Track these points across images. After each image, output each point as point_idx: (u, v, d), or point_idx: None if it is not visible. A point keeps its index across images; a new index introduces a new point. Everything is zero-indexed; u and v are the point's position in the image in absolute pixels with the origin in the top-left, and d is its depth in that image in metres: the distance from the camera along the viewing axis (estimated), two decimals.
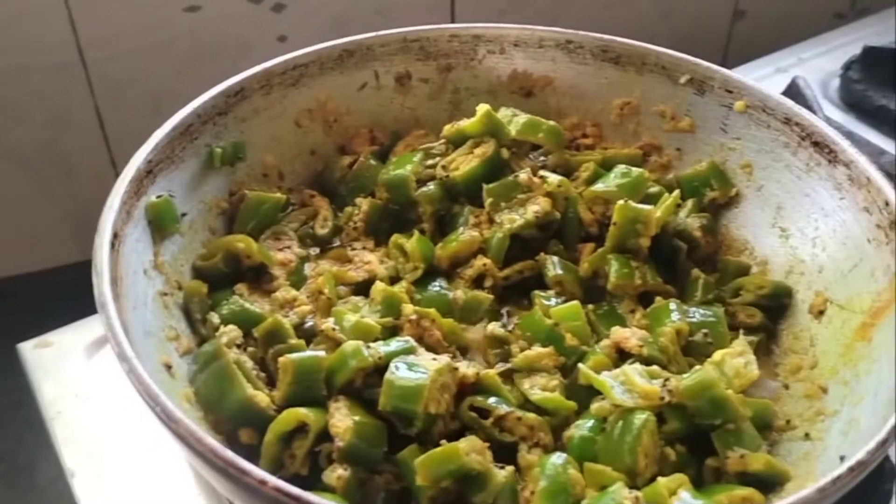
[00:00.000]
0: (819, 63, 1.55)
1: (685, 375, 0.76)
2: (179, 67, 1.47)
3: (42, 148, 1.47)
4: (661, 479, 0.70)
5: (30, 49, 1.37)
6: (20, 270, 1.54)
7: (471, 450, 0.69)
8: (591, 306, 0.87)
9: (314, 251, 0.93)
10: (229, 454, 0.57)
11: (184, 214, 0.86)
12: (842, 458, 0.69)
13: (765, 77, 1.51)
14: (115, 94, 1.48)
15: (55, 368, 1.00)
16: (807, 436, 0.77)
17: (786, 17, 1.82)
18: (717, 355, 0.78)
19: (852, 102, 1.44)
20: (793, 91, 1.35)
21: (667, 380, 0.76)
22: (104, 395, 0.97)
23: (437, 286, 0.88)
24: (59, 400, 0.97)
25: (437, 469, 0.68)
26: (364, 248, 0.93)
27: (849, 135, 1.35)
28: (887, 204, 0.81)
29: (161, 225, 0.82)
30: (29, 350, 1.02)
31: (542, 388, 0.79)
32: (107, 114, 1.50)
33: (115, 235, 0.74)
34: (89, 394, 0.97)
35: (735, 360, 0.77)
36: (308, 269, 0.90)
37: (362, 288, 0.88)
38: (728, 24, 1.81)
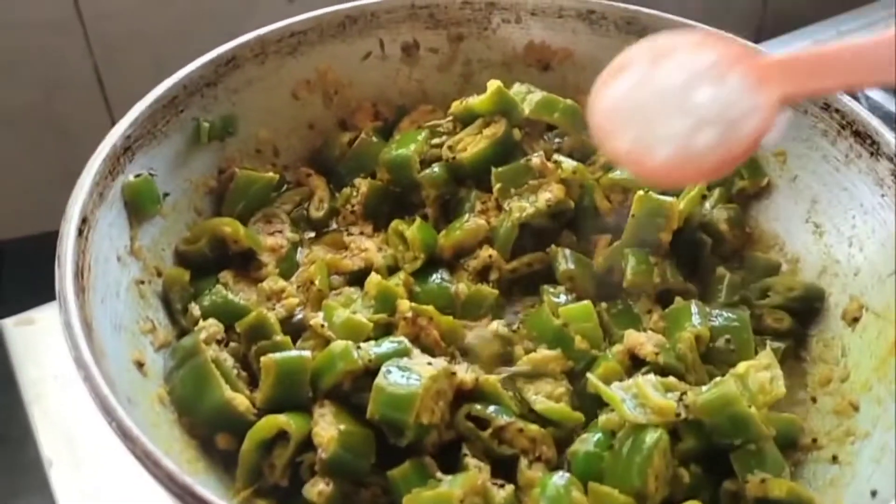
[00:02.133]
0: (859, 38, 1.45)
1: (704, 389, 0.69)
2: (181, 26, 1.40)
3: (36, 108, 1.41)
4: None
5: (23, 3, 1.30)
6: (11, 235, 1.49)
7: (468, 494, 0.63)
8: (604, 305, 0.81)
9: (308, 235, 0.86)
10: (187, 481, 0.51)
11: (166, 194, 0.79)
12: (873, 494, 0.62)
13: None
14: (115, 53, 1.42)
15: (37, 348, 0.96)
16: (834, 458, 0.71)
17: None
18: (741, 367, 0.71)
19: None
20: None
21: (683, 394, 0.69)
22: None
23: (438, 278, 0.82)
24: (40, 383, 0.92)
25: None
26: (361, 233, 0.86)
27: (888, 116, 1.27)
28: None
29: (139, 207, 0.76)
30: (10, 327, 0.97)
31: (548, 396, 0.73)
32: (106, 73, 1.43)
33: (84, 220, 0.68)
34: (71, 378, 0.92)
35: (760, 373, 0.70)
36: (300, 255, 0.84)
37: (358, 277, 0.82)
38: None
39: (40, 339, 0.96)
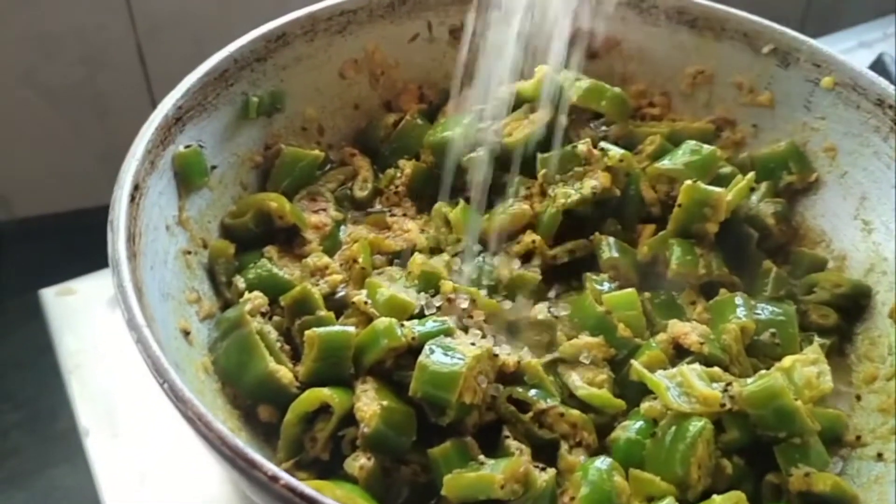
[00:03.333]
0: None
1: (749, 381, 0.69)
2: (224, 6, 1.41)
3: (77, 85, 1.42)
4: (716, 498, 0.63)
5: None
6: (51, 210, 1.50)
7: (509, 479, 0.62)
8: (647, 294, 0.80)
9: (351, 215, 0.86)
10: (238, 444, 0.51)
11: (214, 167, 0.80)
12: None
13: (847, 51, 1.40)
14: (158, 31, 1.43)
15: (76, 319, 0.96)
16: (879, 456, 0.70)
17: None
18: (788, 361, 0.70)
19: None
20: (878, 68, 1.24)
21: (729, 384, 0.69)
22: (125, 352, 0.92)
23: (480, 261, 0.81)
24: (79, 353, 0.93)
25: (467, 493, 0.63)
26: (405, 214, 0.86)
27: None
28: None
29: (188, 177, 0.76)
30: (51, 297, 0.98)
31: (589, 382, 0.73)
32: (149, 51, 1.44)
33: (136, 187, 0.68)
34: (110, 349, 0.93)
35: (807, 368, 0.70)
36: (343, 233, 0.83)
37: (400, 258, 0.82)
38: None
39: (80, 309, 0.97)
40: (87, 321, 0.96)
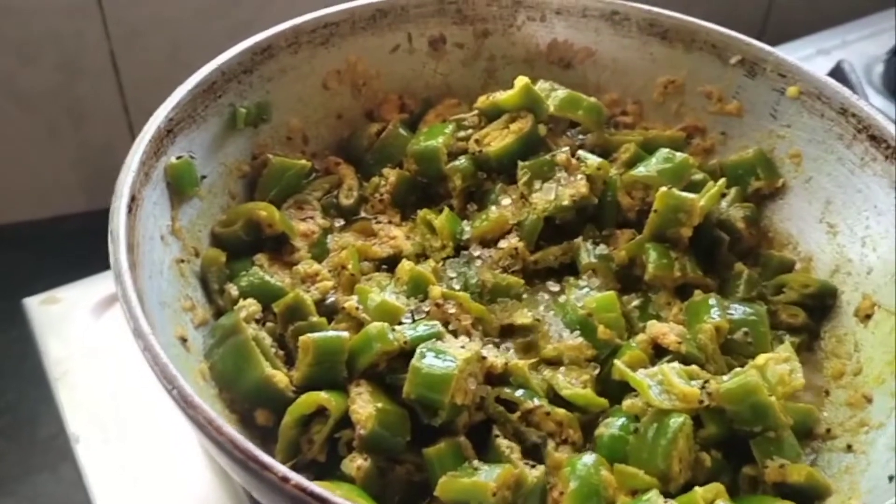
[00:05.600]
0: (863, 46, 1.49)
1: (725, 378, 0.72)
2: (199, 13, 1.41)
3: (53, 91, 1.42)
4: (697, 489, 0.66)
5: None
6: (25, 217, 1.49)
7: (501, 487, 0.65)
8: (625, 297, 0.83)
9: (337, 223, 0.88)
10: (250, 446, 0.53)
11: (203, 177, 0.81)
12: (891, 479, 0.65)
13: (806, 58, 1.45)
14: (131, 39, 1.43)
15: (62, 327, 0.97)
16: (849, 447, 0.74)
17: None
18: (761, 359, 0.74)
19: None
20: (838, 76, 1.29)
21: (706, 382, 0.72)
22: (112, 357, 0.93)
23: (464, 267, 0.84)
24: (66, 360, 0.94)
25: (459, 497, 0.65)
26: (390, 221, 0.88)
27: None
28: None
29: (180, 188, 0.78)
30: (35, 306, 0.99)
31: (573, 382, 0.76)
32: (122, 59, 1.44)
33: (133, 198, 0.70)
34: (96, 355, 0.94)
35: (779, 366, 0.73)
36: (330, 241, 0.85)
37: (386, 264, 0.84)
38: None
39: (65, 317, 0.98)
40: (72, 329, 0.96)
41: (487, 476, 0.65)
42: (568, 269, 0.86)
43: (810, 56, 1.46)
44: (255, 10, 1.40)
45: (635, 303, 0.83)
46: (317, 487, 0.51)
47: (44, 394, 0.93)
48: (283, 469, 0.52)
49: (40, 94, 1.40)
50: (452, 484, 0.65)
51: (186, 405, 0.55)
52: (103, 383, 0.91)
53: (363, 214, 0.90)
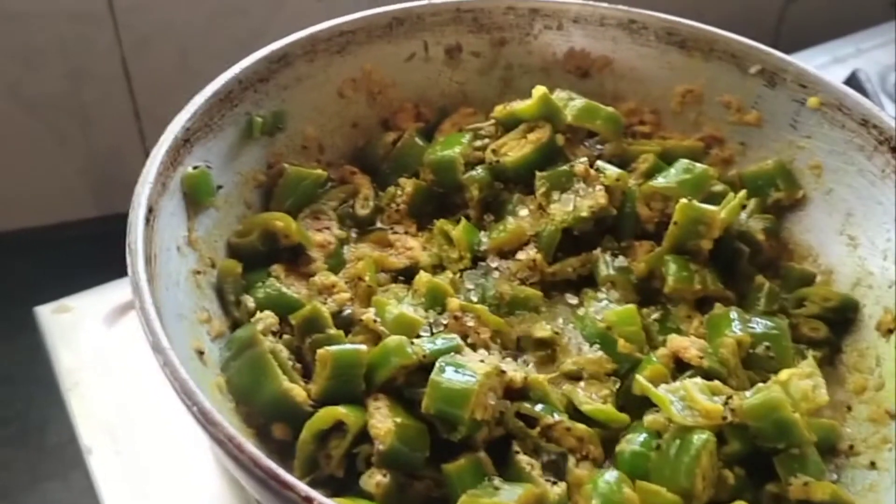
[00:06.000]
0: (878, 55, 1.48)
1: (748, 394, 0.71)
2: (209, 20, 1.41)
3: (62, 98, 1.41)
4: None
5: None
6: (34, 223, 1.49)
7: None
8: (644, 310, 0.82)
9: (353, 233, 0.87)
10: (271, 465, 0.52)
11: (220, 187, 0.80)
12: None
13: (821, 67, 1.44)
14: (142, 46, 1.43)
15: (73, 336, 0.96)
16: (872, 464, 0.73)
17: (843, 2, 1.75)
18: (784, 375, 0.73)
19: None
20: (853, 85, 1.28)
21: (729, 397, 0.71)
22: (124, 367, 0.93)
23: (482, 278, 0.83)
24: (77, 371, 0.93)
25: None
26: (406, 232, 0.88)
27: None
28: None
29: (197, 198, 0.77)
30: (46, 315, 0.98)
31: (593, 397, 0.75)
32: (133, 65, 1.44)
33: (150, 210, 0.69)
34: (109, 365, 0.93)
35: (803, 381, 0.72)
36: (347, 252, 0.85)
37: (403, 275, 0.84)
38: (781, 6, 1.74)
39: (77, 326, 0.97)
40: (84, 338, 0.96)
41: (509, 496, 0.64)
42: (586, 282, 0.85)
43: (826, 64, 1.45)
44: (265, 18, 1.40)
45: (655, 316, 0.82)
46: None
47: (53, 401, 0.92)
48: (305, 489, 0.51)
49: (48, 101, 1.40)
50: (475, 503, 0.64)
51: (207, 422, 0.54)
52: (115, 394, 0.90)
53: (379, 225, 0.89)
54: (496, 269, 0.84)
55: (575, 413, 0.74)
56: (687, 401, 0.71)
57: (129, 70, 1.42)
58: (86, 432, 0.88)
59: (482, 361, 0.72)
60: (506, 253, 0.85)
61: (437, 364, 0.70)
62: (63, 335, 0.96)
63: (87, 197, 1.51)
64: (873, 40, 1.52)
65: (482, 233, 0.87)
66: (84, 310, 0.98)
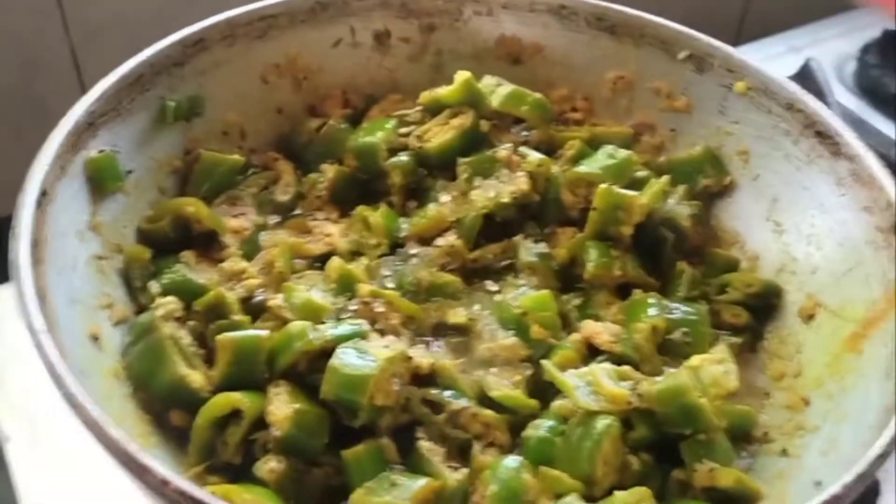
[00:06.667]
0: (835, 44, 1.47)
1: (657, 379, 0.70)
2: (162, 11, 1.39)
3: (14, 91, 1.40)
4: (619, 494, 0.64)
5: None
6: None
7: None
8: (564, 296, 0.81)
9: (273, 219, 0.86)
10: (131, 448, 0.51)
11: (129, 172, 0.79)
12: (818, 484, 0.63)
13: (777, 56, 1.43)
14: (93, 37, 1.41)
15: None
16: (784, 451, 0.72)
17: None
18: (695, 360, 0.71)
19: (867, 88, 1.37)
20: (805, 73, 1.27)
21: (637, 383, 0.70)
22: None
23: (400, 265, 0.82)
24: None
25: None
26: (327, 218, 0.86)
27: (860, 123, 1.28)
28: (889, 205, 0.75)
29: (101, 183, 0.76)
30: None
31: (505, 383, 0.74)
32: (83, 57, 1.42)
33: (44, 193, 0.68)
34: (29, 355, 0.91)
35: (714, 367, 0.71)
36: (263, 238, 0.83)
37: (321, 262, 0.82)
38: None
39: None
40: (4, 327, 0.95)
41: (404, 493, 0.63)
42: (511, 269, 0.84)
43: (781, 54, 1.44)
44: (216, 9, 1.38)
45: (575, 302, 0.81)
46: (199, 491, 0.49)
47: None
48: (163, 472, 0.50)
49: (1, 94, 1.38)
50: (367, 502, 0.63)
51: (72, 405, 0.53)
52: (34, 384, 0.88)
53: (300, 211, 0.88)
54: (415, 255, 0.83)
55: (487, 400, 0.73)
56: (593, 386, 0.69)
57: (78, 63, 1.41)
58: (4, 420, 0.87)
59: (387, 347, 0.70)
60: (426, 239, 0.84)
61: (336, 349, 0.69)
62: None
63: None
64: (832, 29, 1.50)
65: (404, 219, 0.85)
66: (4, 299, 0.97)
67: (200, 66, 0.85)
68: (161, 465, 0.53)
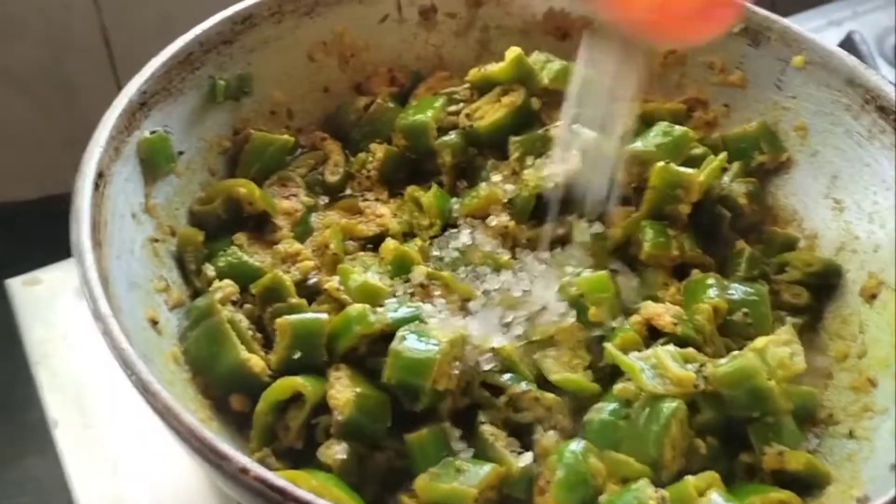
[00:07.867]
0: (876, 17, 1.43)
1: (722, 361, 0.69)
2: None
3: (43, 68, 1.39)
4: (689, 478, 0.63)
5: None
6: (17, 197, 1.47)
7: (485, 490, 0.62)
8: (620, 276, 0.79)
9: (322, 200, 0.85)
10: (208, 435, 0.51)
11: (181, 153, 0.78)
12: (893, 468, 0.62)
13: (817, 30, 1.40)
14: (122, 14, 1.40)
15: (44, 308, 0.94)
16: (851, 434, 0.71)
17: None
18: (761, 342, 0.70)
19: None
20: (847, 47, 1.24)
21: (702, 365, 0.69)
22: (94, 341, 0.90)
23: (453, 245, 0.81)
24: (46, 343, 0.91)
25: (439, 500, 0.63)
26: (377, 199, 0.85)
27: None
28: None
29: (154, 164, 0.75)
30: (17, 286, 0.96)
31: (564, 366, 0.72)
32: (113, 33, 1.41)
33: (101, 175, 0.67)
34: (78, 338, 0.91)
35: (780, 348, 0.69)
36: (315, 219, 0.82)
37: (373, 243, 0.81)
38: None
39: (48, 298, 0.95)
40: (54, 311, 0.94)
41: (472, 478, 0.63)
42: (561, 247, 0.83)
43: (821, 27, 1.41)
44: None
45: (631, 283, 0.80)
46: (278, 478, 0.49)
47: (32, 375, 0.91)
48: (242, 459, 0.49)
49: (30, 71, 1.37)
50: (432, 487, 0.63)
51: (145, 391, 0.52)
52: (84, 367, 0.88)
53: (349, 192, 0.86)
54: (468, 235, 0.82)
55: (546, 382, 0.72)
56: (658, 368, 0.68)
57: (109, 39, 1.40)
58: (53, 405, 0.86)
59: (447, 330, 0.69)
60: (478, 219, 0.83)
61: (398, 333, 0.68)
62: (33, 308, 0.94)
63: (71, 170, 1.49)
64: (872, 2, 1.47)
65: (455, 199, 0.84)
66: (55, 282, 0.96)
67: (249, 43, 0.84)
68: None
